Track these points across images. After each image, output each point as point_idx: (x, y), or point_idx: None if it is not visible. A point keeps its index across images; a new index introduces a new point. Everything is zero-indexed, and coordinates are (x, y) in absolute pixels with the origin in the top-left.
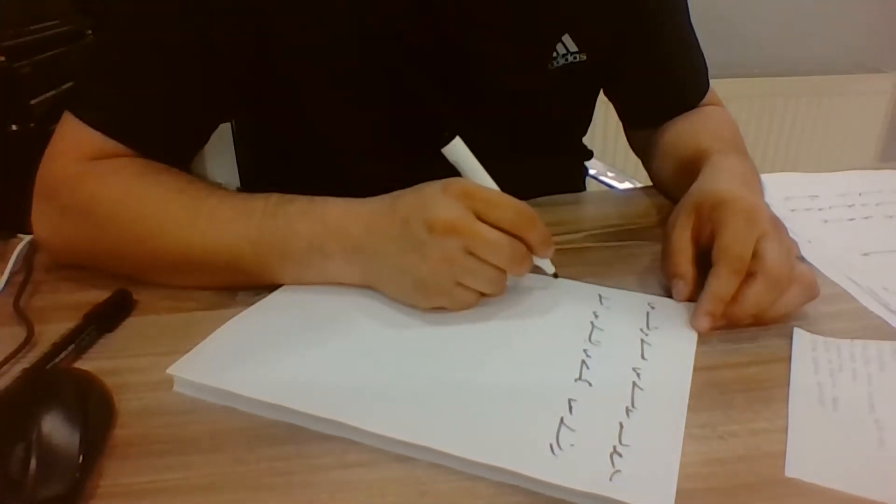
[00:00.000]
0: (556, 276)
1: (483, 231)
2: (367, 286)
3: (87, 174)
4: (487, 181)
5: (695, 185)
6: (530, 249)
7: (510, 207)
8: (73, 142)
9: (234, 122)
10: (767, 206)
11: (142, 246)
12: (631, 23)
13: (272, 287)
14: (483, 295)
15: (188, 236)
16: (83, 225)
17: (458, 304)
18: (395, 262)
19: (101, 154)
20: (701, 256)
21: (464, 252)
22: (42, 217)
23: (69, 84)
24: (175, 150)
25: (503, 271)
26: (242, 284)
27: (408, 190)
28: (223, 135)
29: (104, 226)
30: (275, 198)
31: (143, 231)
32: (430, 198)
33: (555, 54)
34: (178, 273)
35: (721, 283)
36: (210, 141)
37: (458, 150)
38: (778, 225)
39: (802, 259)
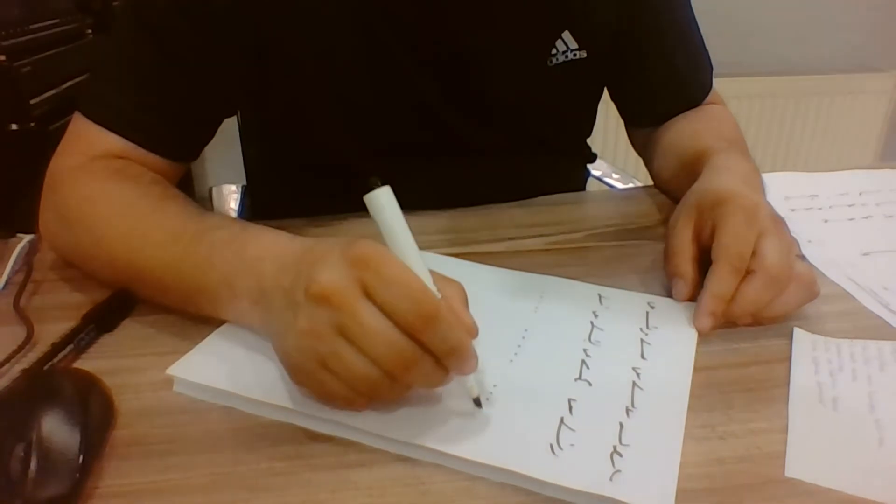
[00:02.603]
0: (478, 403)
1: (360, 310)
2: (265, 338)
3: (80, 173)
4: (406, 249)
5: (696, 185)
6: (434, 356)
7: (407, 294)
8: (81, 138)
9: (240, 121)
10: (769, 204)
11: (94, 252)
12: (632, 19)
13: None
14: (368, 399)
15: (122, 255)
16: (61, 223)
17: (324, 395)
18: (276, 318)
19: (106, 152)
20: (702, 255)
21: (333, 329)
22: (41, 209)
23: (69, 83)
24: (180, 146)
25: (386, 373)
26: (177, 310)
27: (331, 238)
28: (229, 133)
29: (72, 228)
30: (213, 220)
31: (94, 239)
32: (325, 254)
33: (554, 51)
34: (128, 285)
35: (721, 282)
36: (216, 140)
37: (380, 204)
38: (778, 223)
39: (803, 258)
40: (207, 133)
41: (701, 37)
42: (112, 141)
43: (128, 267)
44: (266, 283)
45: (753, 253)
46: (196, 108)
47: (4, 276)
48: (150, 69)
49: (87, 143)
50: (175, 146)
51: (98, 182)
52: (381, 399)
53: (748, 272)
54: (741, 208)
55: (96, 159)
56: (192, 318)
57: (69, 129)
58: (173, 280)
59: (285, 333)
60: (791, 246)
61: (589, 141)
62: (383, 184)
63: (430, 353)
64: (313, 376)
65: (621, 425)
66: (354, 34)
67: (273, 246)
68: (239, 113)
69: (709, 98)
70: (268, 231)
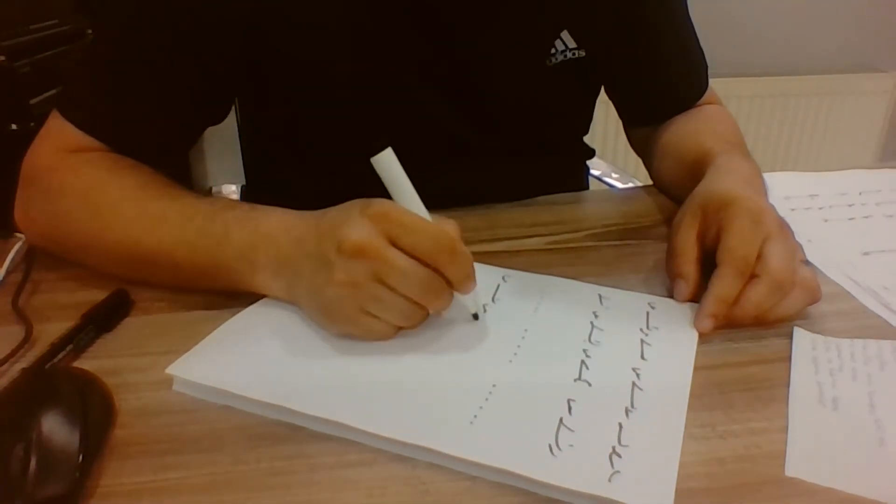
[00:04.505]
0: (476, 317)
1: (392, 257)
2: (291, 302)
3: (63, 164)
4: (414, 203)
5: (700, 186)
6: (449, 283)
7: (427, 234)
8: (58, 136)
9: (239, 122)
10: (773, 207)
11: (97, 239)
12: (629, 19)
13: None
14: (400, 327)
15: (135, 235)
16: (52, 212)
17: (365, 334)
18: (307, 281)
19: (85, 148)
20: (705, 257)
21: (371, 278)
22: (20, 202)
23: None
24: (157, 153)
25: (418, 304)
26: (185, 287)
27: (339, 206)
28: (229, 133)
29: (69, 215)
30: (221, 202)
31: (98, 225)
32: (346, 217)
33: (553, 50)
34: (128, 269)
35: (725, 284)
36: (216, 140)
37: (386, 164)
38: (783, 227)
39: (807, 263)
40: (184, 143)
41: (696, 36)
42: (88, 142)
43: (136, 249)
44: (286, 254)
45: (758, 257)
46: (174, 116)
47: (1, 276)
48: (130, 74)
49: (65, 139)
50: (150, 153)
51: (100, 171)
52: (409, 327)
53: (752, 276)
54: (747, 212)
55: (78, 152)
56: (192, 317)
57: (46, 125)
58: (188, 257)
59: (322, 289)
60: (795, 251)
61: (589, 140)
62: (384, 147)
63: (448, 281)
64: (353, 320)
65: (620, 426)
66: (350, 37)
67: (283, 222)
68: (238, 114)
69: (706, 97)
70: (275, 209)
